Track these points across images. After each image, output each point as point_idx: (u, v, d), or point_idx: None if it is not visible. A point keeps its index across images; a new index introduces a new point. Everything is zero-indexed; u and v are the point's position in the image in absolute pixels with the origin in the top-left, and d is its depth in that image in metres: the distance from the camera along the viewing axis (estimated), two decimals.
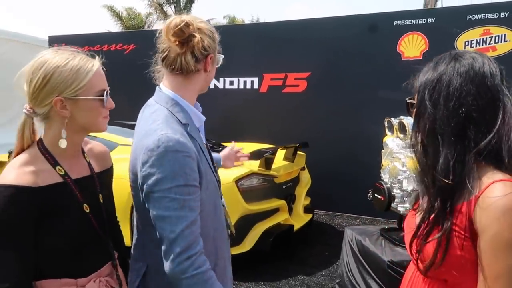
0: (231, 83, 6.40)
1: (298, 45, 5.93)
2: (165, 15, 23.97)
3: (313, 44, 5.85)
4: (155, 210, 1.17)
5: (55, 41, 7.79)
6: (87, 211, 1.22)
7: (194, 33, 1.29)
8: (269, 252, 3.84)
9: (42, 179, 1.13)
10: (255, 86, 6.26)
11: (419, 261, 1.09)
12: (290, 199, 4.41)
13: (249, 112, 6.30)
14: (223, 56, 1.44)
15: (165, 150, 1.16)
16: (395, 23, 5.37)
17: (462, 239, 0.96)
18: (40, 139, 1.20)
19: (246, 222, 3.71)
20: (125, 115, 5.46)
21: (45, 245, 1.13)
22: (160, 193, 1.16)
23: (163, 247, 1.18)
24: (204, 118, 1.42)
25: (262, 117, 6.21)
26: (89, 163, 1.31)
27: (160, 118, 1.26)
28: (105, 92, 1.21)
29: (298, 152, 4.69)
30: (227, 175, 3.63)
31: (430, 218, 1.05)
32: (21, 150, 1.18)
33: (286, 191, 4.33)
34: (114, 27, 23.35)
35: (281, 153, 4.53)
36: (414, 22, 5.29)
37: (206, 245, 1.27)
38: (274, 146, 4.49)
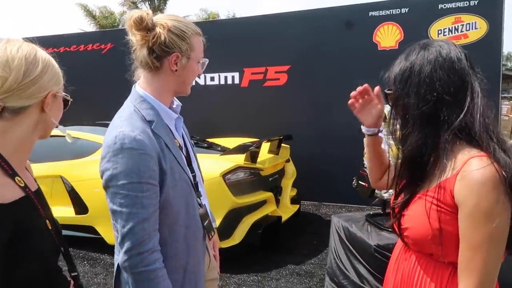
0: (212, 79, 6.42)
1: (277, 39, 5.99)
2: None
3: (292, 37, 5.92)
4: (110, 204, 1.22)
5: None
6: (50, 228, 1.08)
7: (153, 28, 1.28)
8: (258, 243, 3.92)
9: (5, 194, 0.96)
10: (236, 81, 6.30)
11: (404, 237, 1.18)
12: (277, 191, 4.49)
13: (231, 107, 6.33)
14: (204, 60, 1.41)
15: (121, 147, 1.18)
16: (370, 14, 5.48)
17: (445, 214, 1.04)
18: None
19: (235, 215, 3.76)
20: (104, 115, 5.43)
21: (22, 271, 0.98)
22: (114, 189, 1.20)
23: (118, 240, 1.22)
24: (175, 115, 1.42)
25: (245, 112, 6.25)
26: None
27: (125, 115, 1.29)
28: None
29: (282, 144, 4.76)
30: (213, 170, 3.68)
31: (410, 196, 1.15)
32: None
33: (273, 183, 4.40)
34: (88, 26, 22.94)
35: (265, 146, 4.59)
36: (389, 13, 5.41)
37: (176, 243, 1.31)
38: (258, 139, 4.55)
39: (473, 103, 1.06)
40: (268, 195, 4.16)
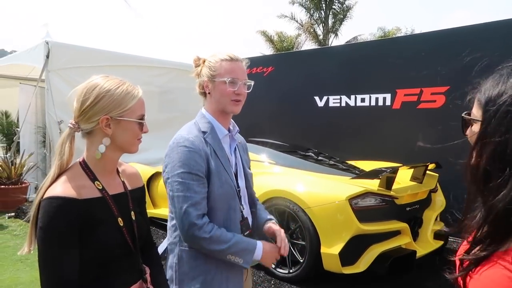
0: (363, 100, 6.30)
1: (435, 57, 5.52)
2: (314, 35, 24.66)
3: (452, 54, 5.37)
4: (170, 192, 1.51)
5: None
6: (121, 224, 1.29)
7: (199, 65, 1.69)
8: (386, 276, 3.66)
9: (84, 193, 1.22)
10: (387, 102, 6.03)
11: None
12: (416, 223, 4.12)
13: (381, 130, 6.08)
14: (230, 79, 1.60)
15: (176, 145, 1.54)
16: None
17: None
18: (83, 159, 1.31)
19: (360, 242, 3.62)
20: (259, 132, 5.93)
21: (84, 256, 1.19)
22: (172, 178, 1.52)
23: (176, 222, 1.51)
24: (226, 132, 1.68)
25: (395, 135, 5.93)
26: (123, 182, 1.41)
27: (186, 125, 1.66)
28: (144, 117, 1.33)
29: (428, 172, 4.35)
30: (340, 193, 3.63)
31: (486, 254, 0.85)
32: (61, 166, 1.26)
33: (410, 214, 4.06)
34: (267, 50, 25.08)
35: (408, 173, 4.29)
36: None
37: None
38: (399, 165, 4.27)
39: None
40: (403, 225, 3.86)
